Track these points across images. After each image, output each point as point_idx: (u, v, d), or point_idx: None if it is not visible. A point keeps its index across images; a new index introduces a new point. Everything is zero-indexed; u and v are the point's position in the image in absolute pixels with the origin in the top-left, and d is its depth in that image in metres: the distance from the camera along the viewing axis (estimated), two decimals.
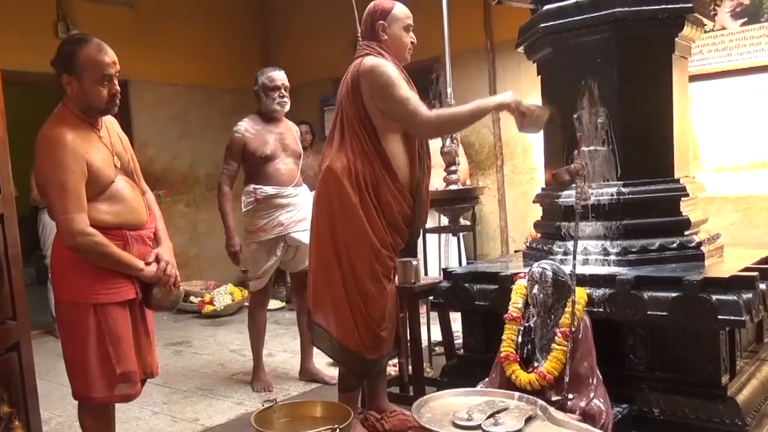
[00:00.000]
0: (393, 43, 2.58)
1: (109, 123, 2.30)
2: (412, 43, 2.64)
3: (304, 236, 3.33)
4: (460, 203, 3.33)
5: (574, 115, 2.53)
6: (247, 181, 3.60)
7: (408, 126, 2.52)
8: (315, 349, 3.16)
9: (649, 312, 2.15)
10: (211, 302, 5.81)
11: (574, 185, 2.27)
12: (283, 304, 6.03)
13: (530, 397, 2.02)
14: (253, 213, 3.54)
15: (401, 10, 2.60)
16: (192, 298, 5.94)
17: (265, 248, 3.55)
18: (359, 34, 2.70)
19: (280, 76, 3.56)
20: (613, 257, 2.43)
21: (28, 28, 5.19)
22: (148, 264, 2.23)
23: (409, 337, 2.96)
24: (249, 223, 3.57)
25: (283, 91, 3.55)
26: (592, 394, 2.10)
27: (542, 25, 2.55)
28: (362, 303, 2.51)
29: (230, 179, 3.60)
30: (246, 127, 3.55)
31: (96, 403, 2.21)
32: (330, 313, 2.55)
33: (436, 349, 3.66)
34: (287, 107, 3.59)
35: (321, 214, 2.57)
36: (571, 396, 2.11)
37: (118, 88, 2.18)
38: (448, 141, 3.28)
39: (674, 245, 2.42)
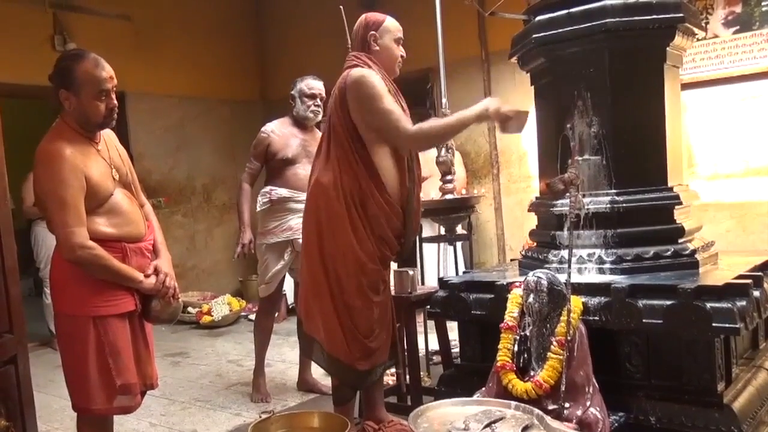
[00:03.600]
0: (384, 54, 2.60)
1: (107, 136, 2.32)
2: (402, 56, 2.66)
3: None
4: (455, 212, 3.35)
5: (568, 125, 2.54)
6: (266, 182, 3.65)
7: (390, 139, 2.52)
8: None
9: (644, 320, 2.15)
10: (209, 313, 5.80)
11: (568, 194, 2.29)
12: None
13: (527, 406, 2.03)
14: (266, 214, 3.58)
15: (393, 23, 2.64)
16: (190, 309, 5.94)
17: (273, 252, 3.58)
18: (349, 46, 2.72)
19: (318, 85, 3.61)
20: (608, 266, 2.43)
21: (24, 42, 5.21)
22: (147, 276, 2.24)
23: (406, 347, 2.97)
24: (261, 225, 3.61)
25: (318, 100, 3.58)
26: (588, 403, 2.11)
27: (535, 35, 2.56)
28: (349, 315, 2.52)
29: (251, 177, 3.65)
30: (273, 128, 3.60)
31: (96, 415, 2.22)
32: (320, 325, 2.56)
33: (434, 358, 3.66)
34: (320, 116, 3.59)
35: (310, 227, 2.59)
36: (567, 405, 2.11)
37: (115, 102, 2.20)
38: (443, 151, 3.30)
39: (668, 253, 2.43)
